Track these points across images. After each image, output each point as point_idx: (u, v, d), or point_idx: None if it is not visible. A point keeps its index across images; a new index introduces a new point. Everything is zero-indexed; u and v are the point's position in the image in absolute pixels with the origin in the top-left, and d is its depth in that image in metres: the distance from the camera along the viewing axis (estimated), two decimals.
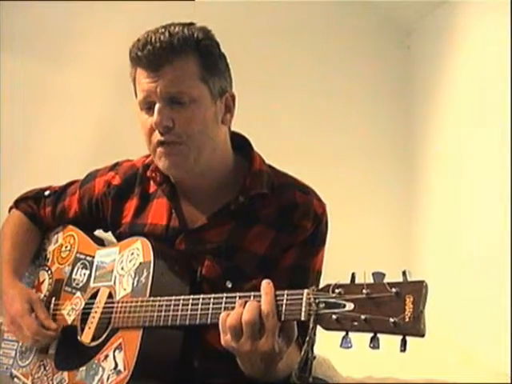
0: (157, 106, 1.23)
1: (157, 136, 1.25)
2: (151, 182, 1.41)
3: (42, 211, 1.56)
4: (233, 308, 1.08)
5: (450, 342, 2.32)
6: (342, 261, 1.98)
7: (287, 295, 1.02)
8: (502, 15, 2.28)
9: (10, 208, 1.60)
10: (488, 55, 2.46)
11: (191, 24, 1.28)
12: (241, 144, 1.41)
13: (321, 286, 0.99)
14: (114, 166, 1.50)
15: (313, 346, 0.96)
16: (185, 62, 1.23)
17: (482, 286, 2.36)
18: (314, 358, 0.99)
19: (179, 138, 1.24)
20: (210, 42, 1.28)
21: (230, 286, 1.28)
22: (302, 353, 0.96)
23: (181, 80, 1.22)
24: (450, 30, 2.78)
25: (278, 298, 1.04)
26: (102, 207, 1.47)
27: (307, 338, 0.96)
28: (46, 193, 1.57)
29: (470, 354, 2.21)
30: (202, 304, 1.13)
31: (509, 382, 1.93)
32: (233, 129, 1.39)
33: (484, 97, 2.48)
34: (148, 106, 1.25)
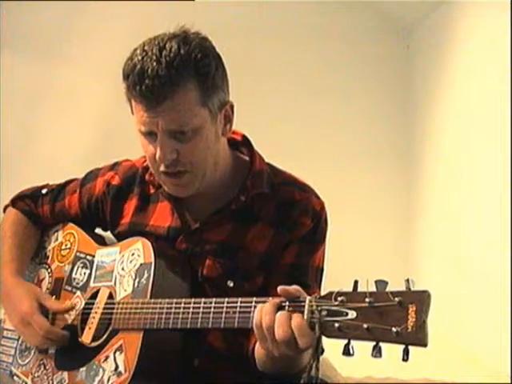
0: (159, 140, 1.20)
1: (161, 167, 1.24)
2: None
3: (39, 209, 1.55)
4: (234, 313, 1.07)
5: (450, 342, 2.33)
6: (342, 262, 1.99)
7: (289, 302, 1.01)
8: (502, 15, 2.27)
9: (6, 207, 1.59)
10: (488, 55, 2.45)
11: (185, 36, 1.21)
12: (241, 143, 1.41)
13: (323, 293, 0.98)
14: (114, 166, 1.49)
15: (319, 353, 0.95)
16: (185, 93, 1.18)
17: (482, 287, 2.36)
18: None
19: (184, 167, 1.23)
20: (208, 60, 1.21)
21: (231, 285, 1.29)
22: (311, 360, 0.96)
23: (182, 114, 1.18)
24: (450, 30, 2.77)
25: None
26: (101, 207, 1.46)
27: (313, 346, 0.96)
28: (44, 191, 1.56)
29: (471, 354, 2.21)
30: (203, 308, 1.12)
31: (509, 381, 1.93)
32: (233, 128, 1.38)
33: (484, 96, 2.46)
34: (149, 134, 1.23)
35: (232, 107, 1.31)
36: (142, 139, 1.25)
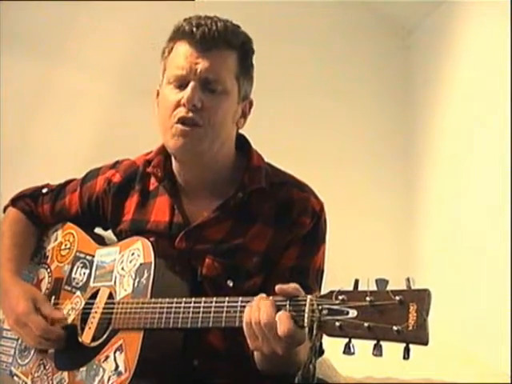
0: (191, 84, 1.24)
1: (181, 112, 1.25)
2: (151, 180, 1.42)
3: (39, 209, 1.55)
4: (235, 312, 1.08)
5: (450, 342, 2.32)
6: (342, 262, 1.98)
7: (290, 301, 1.01)
8: (502, 15, 2.27)
9: (6, 207, 1.59)
10: (488, 55, 2.45)
11: (239, 26, 1.33)
12: (240, 142, 1.41)
13: (323, 292, 0.99)
14: (115, 165, 1.50)
15: (316, 352, 0.95)
16: (229, 55, 1.28)
17: (482, 287, 2.36)
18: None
19: (202, 121, 1.25)
20: (251, 48, 1.34)
21: (231, 284, 1.29)
22: (306, 358, 0.96)
23: (221, 68, 1.26)
24: (450, 30, 2.77)
25: (279, 303, 1.03)
26: (102, 205, 1.47)
27: (311, 345, 0.96)
28: (44, 190, 1.56)
29: (471, 354, 2.21)
30: (203, 307, 1.12)
31: (509, 381, 1.93)
32: None
33: (484, 96, 2.47)
34: (179, 84, 1.26)
35: (251, 104, 1.38)
36: (167, 91, 1.28)
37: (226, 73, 1.27)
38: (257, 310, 1.02)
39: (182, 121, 1.25)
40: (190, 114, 1.24)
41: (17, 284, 1.41)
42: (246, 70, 1.32)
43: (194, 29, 1.25)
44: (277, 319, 0.99)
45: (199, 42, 1.24)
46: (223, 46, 1.26)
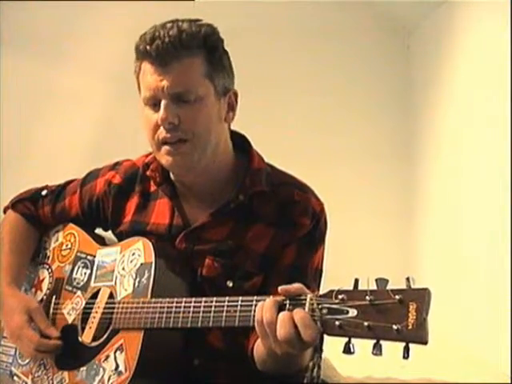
0: (163, 103, 1.22)
1: (162, 133, 1.24)
2: (151, 181, 1.41)
3: (40, 211, 1.55)
4: (235, 311, 1.07)
5: (450, 342, 2.32)
6: (342, 261, 1.99)
7: (290, 300, 1.01)
8: (502, 15, 2.27)
9: (6, 208, 1.58)
10: (488, 55, 2.45)
11: (197, 20, 1.27)
12: (240, 143, 1.41)
13: (323, 291, 0.98)
14: (115, 166, 1.50)
15: (320, 351, 0.95)
16: (192, 59, 1.22)
17: (481, 286, 2.36)
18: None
19: (185, 135, 1.24)
20: (217, 39, 1.28)
21: (230, 285, 1.29)
22: (314, 358, 0.96)
23: (187, 78, 1.22)
24: (450, 30, 2.77)
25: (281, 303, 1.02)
26: (102, 206, 1.47)
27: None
28: (43, 192, 1.56)
29: (470, 354, 2.21)
30: (203, 307, 1.12)
31: (509, 381, 1.93)
32: (232, 128, 1.39)
33: (484, 96, 2.46)
34: (153, 103, 1.24)
35: (236, 96, 1.34)
36: (146, 112, 1.26)
37: (194, 79, 1.23)
38: (261, 310, 1.01)
39: (165, 141, 1.24)
40: (170, 134, 1.23)
41: (12, 296, 1.40)
42: (217, 64, 1.27)
43: (148, 47, 1.21)
44: (278, 320, 0.98)
45: (156, 58, 1.21)
46: (182, 54, 1.21)
